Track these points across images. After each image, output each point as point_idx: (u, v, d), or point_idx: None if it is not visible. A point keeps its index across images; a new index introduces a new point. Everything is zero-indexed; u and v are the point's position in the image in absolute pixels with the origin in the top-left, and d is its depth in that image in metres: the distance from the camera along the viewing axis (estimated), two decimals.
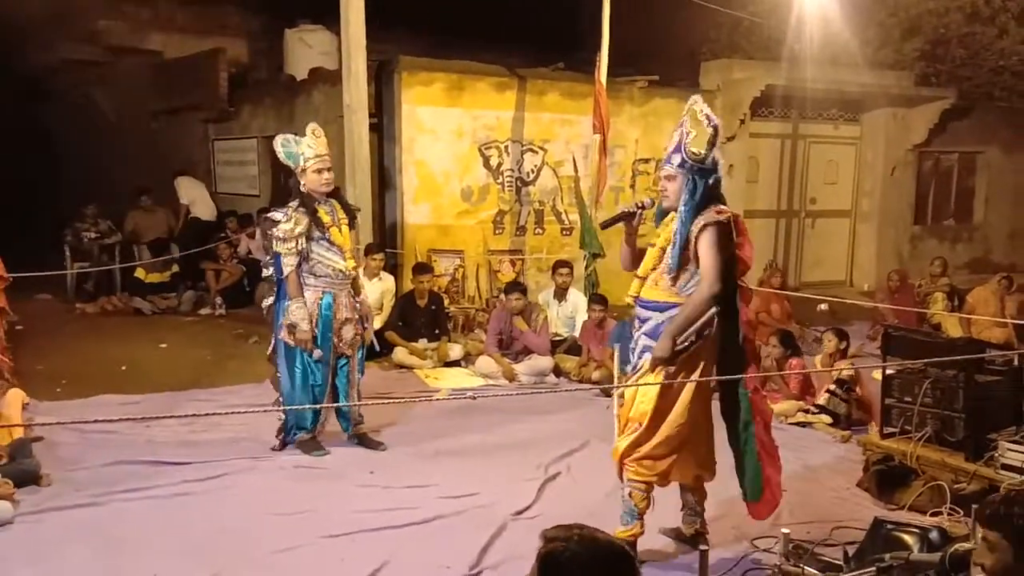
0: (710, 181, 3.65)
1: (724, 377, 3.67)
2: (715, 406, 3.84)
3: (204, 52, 11.64)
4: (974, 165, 13.10)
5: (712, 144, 3.62)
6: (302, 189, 5.02)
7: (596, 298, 7.42)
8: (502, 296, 7.91)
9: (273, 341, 5.17)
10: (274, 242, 4.95)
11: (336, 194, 5.20)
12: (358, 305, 5.25)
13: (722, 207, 3.66)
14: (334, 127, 8.76)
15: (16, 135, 12.06)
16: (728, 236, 3.61)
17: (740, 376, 3.69)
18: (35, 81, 12.89)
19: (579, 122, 9.28)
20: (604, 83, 8.24)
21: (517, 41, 11.54)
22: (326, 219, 5.02)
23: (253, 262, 9.46)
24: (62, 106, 13.76)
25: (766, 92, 10.47)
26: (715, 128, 3.61)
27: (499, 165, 9.19)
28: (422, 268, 7.85)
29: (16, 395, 5.30)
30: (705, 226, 3.59)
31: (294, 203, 5.00)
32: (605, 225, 4.30)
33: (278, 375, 5.19)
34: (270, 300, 5.16)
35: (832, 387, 6.02)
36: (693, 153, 3.61)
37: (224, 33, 12.74)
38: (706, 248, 3.58)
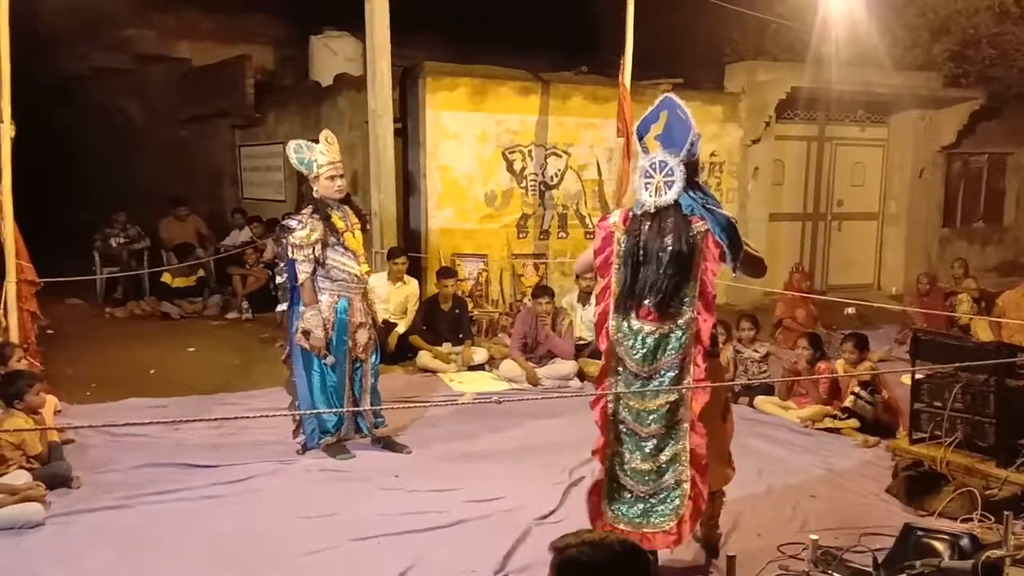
0: None
1: (716, 385, 3.61)
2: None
3: (231, 59, 11.77)
4: (1004, 166, 12.92)
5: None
6: (315, 195, 5.07)
7: None
8: (526, 300, 7.91)
9: (288, 347, 5.22)
10: (290, 249, 5.00)
11: (347, 200, 5.23)
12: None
13: (614, 211, 3.76)
14: (359, 132, 8.84)
15: (46, 142, 12.25)
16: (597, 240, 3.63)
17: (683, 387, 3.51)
18: (64, 89, 13.09)
19: (603, 126, 9.27)
20: (628, 86, 8.22)
21: (540, 45, 11.53)
22: (340, 225, 5.06)
23: None
24: (91, 113, 13.97)
25: (792, 94, 10.39)
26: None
27: (523, 169, 9.20)
28: (446, 272, 7.87)
29: (50, 402, 5.42)
30: None
31: (308, 209, 5.05)
32: None
33: (293, 380, 5.23)
34: (283, 306, 5.21)
35: (856, 389, 5.95)
36: None
37: (250, 40, 12.87)
38: None
